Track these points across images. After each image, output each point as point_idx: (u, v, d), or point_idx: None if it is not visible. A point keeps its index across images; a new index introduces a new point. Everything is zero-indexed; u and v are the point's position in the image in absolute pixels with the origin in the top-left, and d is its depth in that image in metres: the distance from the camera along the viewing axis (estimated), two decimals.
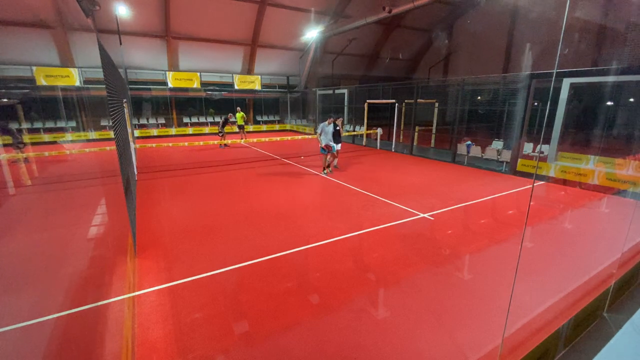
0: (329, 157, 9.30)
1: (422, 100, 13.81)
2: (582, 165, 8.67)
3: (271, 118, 24.67)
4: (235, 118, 15.19)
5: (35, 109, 16.33)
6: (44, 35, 15.27)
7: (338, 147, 9.53)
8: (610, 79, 8.90)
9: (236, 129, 15.91)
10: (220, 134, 14.16)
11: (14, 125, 15.48)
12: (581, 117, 13.00)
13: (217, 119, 21.41)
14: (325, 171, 9.13)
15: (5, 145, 9.75)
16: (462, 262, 4.33)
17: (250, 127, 22.66)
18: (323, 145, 8.79)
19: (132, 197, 5.25)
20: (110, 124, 14.28)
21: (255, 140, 13.59)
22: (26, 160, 10.03)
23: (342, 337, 2.89)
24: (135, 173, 9.14)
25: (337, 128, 9.44)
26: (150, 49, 18.29)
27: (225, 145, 14.68)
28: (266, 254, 4.41)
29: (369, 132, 15.57)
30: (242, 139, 14.75)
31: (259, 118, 24.20)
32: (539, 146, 9.85)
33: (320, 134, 8.82)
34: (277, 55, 22.18)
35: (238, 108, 15.64)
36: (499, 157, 10.12)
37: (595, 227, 5.86)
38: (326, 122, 8.77)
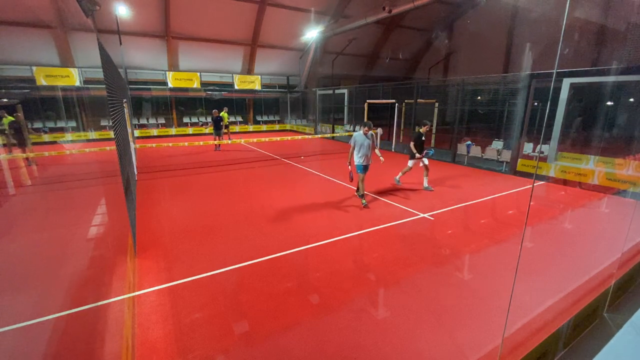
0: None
1: (422, 100, 13.81)
2: (582, 165, 8.67)
3: (271, 118, 24.68)
4: (221, 116, 14.43)
5: (38, 109, 16.34)
6: (44, 35, 15.28)
7: (425, 161, 7.58)
8: (610, 79, 8.90)
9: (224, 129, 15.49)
10: (219, 135, 13.69)
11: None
12: (581, 117, 13.00)
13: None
14: (363, 199, 6.58)
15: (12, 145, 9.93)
16: (462, 262, 4.33)
17: (250, 127, 22.66)
18: (359, 163, 6.32)
19: (132, 197, 5.25)
20: (110, 124, 14.28)
21: (255, 140, 13.59)
22: (28, 161, 10.15)
23: (342, 337, 2.89)
24: (135, 173, 9.14)
25: (423, 138, 7.57)
26: (150, 49, 18.29)
27: (219, 146, 14.27)
28: (266, 254, 4.41)
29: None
30: (229, 139, 14.60)
31: (259, 118, 24.20)
32: (539, 146, 9.86)
33: (353, 149, 6.33)
34: (277, 55, 22.18)
35: (225, 108, 14.87)
36: (499, 157, 10.12)
37: (595, 227, 5.86)
38: (361, 132, 6.26)
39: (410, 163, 7.64)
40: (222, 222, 5.63)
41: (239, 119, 23.35)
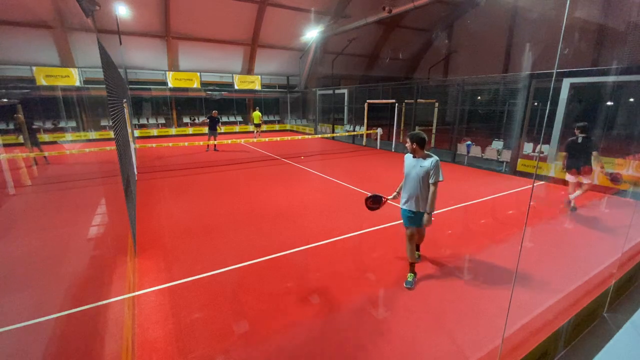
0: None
1: (422, 100, 13.81)
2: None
3: (271, 118, 24.68)
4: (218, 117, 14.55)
5: (38, 109, 16.39)
6: (44, 35, 15.28)
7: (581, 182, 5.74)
8: (610, 79, 8.90)
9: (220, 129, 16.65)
10: (214, 136, 13.34)
11: (13, 126, 15.57)
12: (581, 117, 13.01)
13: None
14: (418, 255, 4.20)
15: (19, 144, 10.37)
16: (462, 262, 4.33)
17: (251, 127, 22.63)
18: (402, 206, 3.78)
19: (132, 197, 5.25)
20: (110, 124, 14.29)
21: (255, 140, 13.60)
22: (41, 160, 10.48)
23: (342, 337, 2.89)
24: (135, 173, 9.14)
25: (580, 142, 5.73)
26: (150, 49, 18.30)
27: (213, 147, 14.02)
28: (266, 254, 4.41)
29: (369, 132, 15.57)
30: (256, 137, 15.48)
31: None
32: (539, 146, 9.85)
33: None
34: (277, 55, 22.19)
35: (257, 108, 17.89)
36: (499, 157, 10.12)
37: (595, 227, 5.86)
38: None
39: (568, 177, 6.11)
40: (222, 222, 5.63)
41: (239, 119, 23.35)
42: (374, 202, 3.97)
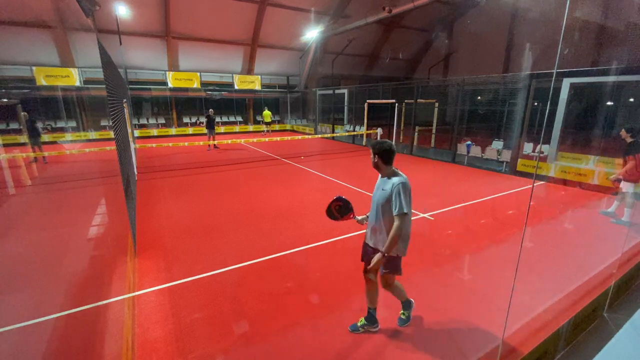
0: None
1: (422, 100, 13.80)
2: (582, 165, 8.66)
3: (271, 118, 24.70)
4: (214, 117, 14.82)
5: (38, 109, 16.41)
6: (44, 35, 15.28)
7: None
8: (610, 79, 8.90)
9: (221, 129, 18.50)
10: (212, 135, 13.47)
11: (14, 125, 15.58)
12: (581, 117, 13.01)
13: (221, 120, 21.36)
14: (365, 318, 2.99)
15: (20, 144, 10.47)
16: (462, 262, 4.33)
17: (251, 127, 22.65)
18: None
19: (132, 197, 5.25)
20: (110, 124, 14.29)
21: (255, 140, 13.60)
22: (40, 159, 10.55)
23: (342, 337, 2.89)
24: (135, 173, 9.14)
25: None
26: (150, 49, 18.30)
27: (213, 146, 14.13)
28: (266, 254, 4.41)
29: (369, 132, 15.57)
30: (267, 135, 16.55)
31: (259, 118, 24.20)
32: (539, 146, 9.86)
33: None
34: (277, 55, 22.18)
35: (266, 107, 19.28)
36: (499, 157, 10.12)
37: (595, 227, 5.86)
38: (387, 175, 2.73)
39: (628, 187, 5.33)
40: (222, 222, 5.63)
41: (239, 119, 23.33)
42: (341, 210, 2.99)
